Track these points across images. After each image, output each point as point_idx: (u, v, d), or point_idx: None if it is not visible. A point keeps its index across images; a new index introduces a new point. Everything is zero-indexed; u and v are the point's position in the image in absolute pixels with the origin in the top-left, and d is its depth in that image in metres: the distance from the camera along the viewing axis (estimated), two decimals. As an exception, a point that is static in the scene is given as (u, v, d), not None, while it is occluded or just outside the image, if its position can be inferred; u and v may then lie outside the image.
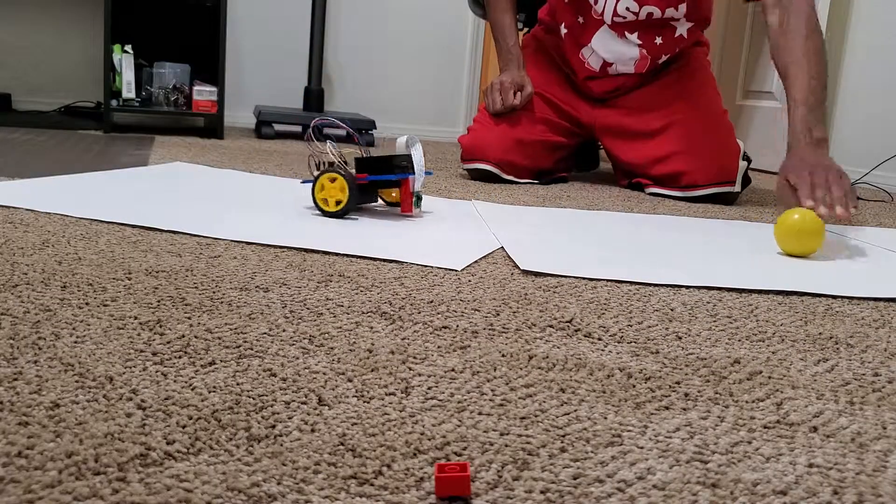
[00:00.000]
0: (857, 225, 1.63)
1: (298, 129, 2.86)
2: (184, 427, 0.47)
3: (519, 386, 0.59)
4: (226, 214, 1.16)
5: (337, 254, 0.98)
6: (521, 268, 0.98)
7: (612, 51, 1.85)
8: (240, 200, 1.30)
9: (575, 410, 0.55)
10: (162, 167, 1.64)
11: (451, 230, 1.20)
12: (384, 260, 0.97)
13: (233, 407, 0.51)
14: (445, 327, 0.72)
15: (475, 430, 0.50)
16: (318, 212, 1.23)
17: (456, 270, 0.94)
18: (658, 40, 1.83)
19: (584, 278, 0.95)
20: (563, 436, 0.51)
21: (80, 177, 1.41)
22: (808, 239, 1.17)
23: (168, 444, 0.45)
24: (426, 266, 0.95)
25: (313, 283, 0.83)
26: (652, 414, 0.56)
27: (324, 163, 1.27)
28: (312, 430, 0.48)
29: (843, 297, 0.96)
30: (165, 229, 1.03)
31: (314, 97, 2.86)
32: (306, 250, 0.98)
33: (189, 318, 0.68)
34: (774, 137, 2.53)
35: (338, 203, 1.21)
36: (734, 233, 1.39)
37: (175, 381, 0.54)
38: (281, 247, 0.99)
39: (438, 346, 0.66)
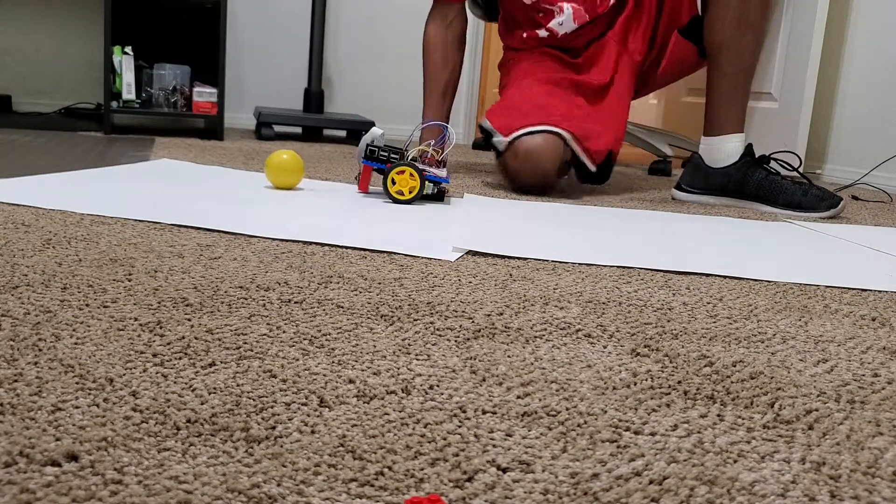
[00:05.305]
0: (851, 224, 1.63)
1: (298, 130, 2.86)
2: (183, 428, 0.47)
3: (519, 385, 0.59)
4: (215, 208, 1.17)
5: (313, 243, 0.98)
6: (454, 246, 1.08)
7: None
8: (230, 194, 1.30)
9: (575, 408, 0.55)
10: (148, 164, 1.64)
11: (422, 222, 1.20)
12: (362, 249, 0.97)
13: (233, 408, 0.51)
14: (445, 328, 0.72)
15: (476, 431, 0.50)
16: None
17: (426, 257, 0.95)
18: None
19: (517, 258, 0.96)
20: (564, 434, 0.51)
21: (65, 175, 1.41)
22: (289, 174, 1.48)
23: (167, 445, 0.45)
24: (416, 257, 0.96)
25: (313, 285, 0.83)
26: (652, 411, 0.56)
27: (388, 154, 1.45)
28: (312, 432, 0.48)
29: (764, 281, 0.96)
30: (168, 223, 1.03)
31: (314, 98, 2.86)
32: (292, 241, 0.99)
33: (189, 319, 0.68)
34: (774, 138, 2.53)
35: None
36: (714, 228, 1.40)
37: (175, 383, 0.54)
38: (273, 239, 0.99)
39: (438, 347, 0.66)
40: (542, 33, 1.83)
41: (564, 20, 1.79)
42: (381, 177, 1.44)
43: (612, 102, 1.79)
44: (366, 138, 1.46)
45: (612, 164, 1.78)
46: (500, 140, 1.71)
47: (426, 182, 1.43)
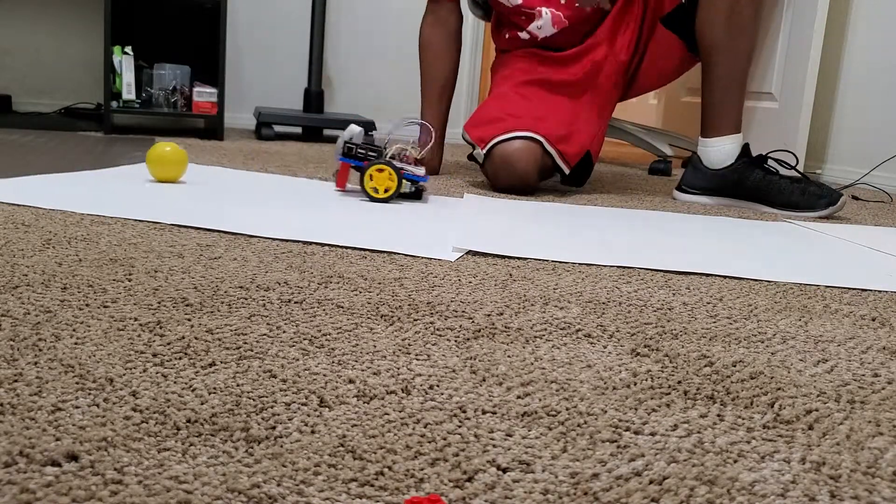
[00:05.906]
0: (851, 224, 1.63)
1: (298, 130, 2.86)
2: (183, 428, 0.47)
3: (519, 385, 0.59)
4: (214, 208, 1.17)
5: (315, 243, 0.98)
6: (454, 246, 1.08)
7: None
8: (230, 194, 1.30)
9: (575, 408, 0.55)
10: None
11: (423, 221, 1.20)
12: (362, 249, 0.97)
13: (233, 408, 0.51)
14: (445, 328, 0.72)
15: (476, 431, 0.50)
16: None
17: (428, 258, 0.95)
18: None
19: (516, 258, 0.96)
20: (564, 434, 0.51)
21: (65, 175, 1.41)
22: (171, 167, 1.45)
23: (167, 445, 0.45)
24: (416, 257, 0.96)
25: (313, 285, 0.83)
26: (652, 411, 0.56)
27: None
28: (312, 432, 0.48)
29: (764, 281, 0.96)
30: (168, 223, 1.03)
31: (314, 98, 2.86)
32: (292, 241, 0.99)
33: (189, 319, 0.68)
34: (774, 138, 2.53)
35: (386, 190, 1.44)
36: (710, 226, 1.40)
37: (175, 383, 0.54)
38: (273, 239, 0.99)
39: (438, 347, 0.66)
40: (524, 35, 1.84)
41: (543, 24, 1.80)
42: (360, 174, 1.46)
43: (592, 100, 1.79)
44: (344, 135, 1.47)
45: (590, 166, 1.79)
46: (479, 153, 1.74)
47: (404, 181, 1.44)
